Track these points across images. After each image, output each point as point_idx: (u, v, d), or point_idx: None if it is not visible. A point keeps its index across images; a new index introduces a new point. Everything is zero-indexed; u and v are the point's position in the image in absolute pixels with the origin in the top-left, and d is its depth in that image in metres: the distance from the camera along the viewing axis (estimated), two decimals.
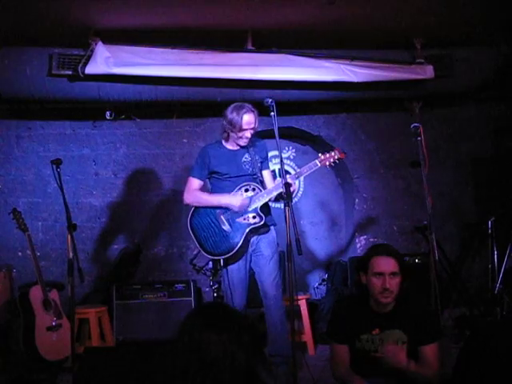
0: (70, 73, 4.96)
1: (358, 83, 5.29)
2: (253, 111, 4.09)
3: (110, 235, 5.85)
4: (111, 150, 5.89)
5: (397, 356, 2.75)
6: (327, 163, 4.19)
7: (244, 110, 4.06)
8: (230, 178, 4.18)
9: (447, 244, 5.78)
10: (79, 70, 4.90)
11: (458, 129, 6.21)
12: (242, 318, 1.79)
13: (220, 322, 1.72)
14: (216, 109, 5.77)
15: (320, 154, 4.23)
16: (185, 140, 5.98)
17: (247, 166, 4.20)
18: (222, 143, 4.27)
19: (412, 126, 4.44)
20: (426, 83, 5.51)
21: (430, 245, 4.39)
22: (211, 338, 1.66)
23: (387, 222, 6.14)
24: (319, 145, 6.22)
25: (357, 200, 6.18)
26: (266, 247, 4.19)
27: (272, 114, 3.86)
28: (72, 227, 3.89)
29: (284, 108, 5.27)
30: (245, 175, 4.19)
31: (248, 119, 4.06)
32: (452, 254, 5.75)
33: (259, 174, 4.21)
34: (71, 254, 3.81)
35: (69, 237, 3.86)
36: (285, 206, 3.76)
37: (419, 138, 4.38)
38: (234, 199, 4.09)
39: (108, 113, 5.64)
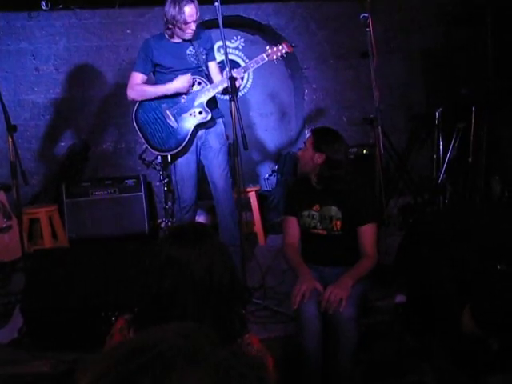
0: None
1: None
2: (193, 1, 3.92)
3: (55, 132, 5.68)
4: (51, 43, 5.57)
5: (339, 295, 2.76)
6: (274, 57, 4.08)
7: (184, 3, 3.88)
8: (175, 71, 4.06)
9: (395, 134, 5.85)
10: None
11: (409, 19, 6.08)
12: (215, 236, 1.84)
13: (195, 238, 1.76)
14: None
15: (267, 48, 4.12)
16: (129, 31, 5.70)
17: (192, 59, 4.08)
18: (165, 36, 4.12)
19: (361, 16, 4.33)
20: None
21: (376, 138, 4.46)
22: (189, 250, 1.72)
23: (337, 113, 6.14)
24: (268, 34, 6.05)
25: (306, 91, 6.12)
26: (214, 140, 4.18)
27: (216, 4, 3.71)
28: (12, 129, 3.74)
29: None
30: (190, 68, 4.07)
31: (190, 11, 3.89)
32: (400, 145, 5.84)
33: (204, 67, 4.11)
34: (13, 157, 3.71)
35: (9, 139, 3.73)
36: (230, 100, 3.73)
37: (368, 29, 4.31)
38: (179, 81, 3.98)
39: (43, 2, 5.29)
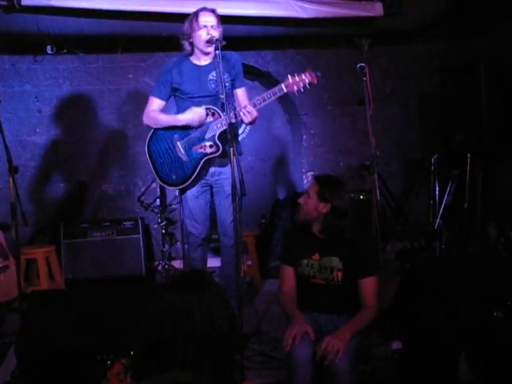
0: (4, 3, 4.67)
1: (306, 19, 5.23)
2: (212, 10, 3.83)
3: (55, 174, 5.74)
4: (54, 86, 5.68)
5: (336, 346, 2.72)
6: (295, 88, 3.70)
7: (200, 8, 3.83)
8: (193, 98, 3.88)
9: (392, 180, 5.92)
10: (15, 1, 4.62)
11: (406, 66, 6.23)
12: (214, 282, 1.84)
13: (196, 284, 1.77)
14: (162, 43, 5.66)
15: (289, 76, 3.71)
16: (130, 75, 5.82)
17: (212, 86, 3.86)
18: (187, 57, 3.95)
19: (358, 66, 4.46)
20: (375, 20, 5.49)
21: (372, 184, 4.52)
22: (190, 298, 1.71)
23: (334, 159, 6.22)
24: (267, 81, 6.17)
25: (304, 136, 6.22)
26: (228, 179, 3.84)
27: (217, 52, 3.64)
28: (13, 170, 3.76)
29: (232, 43, 5.15)
30: (209, 96, 3.86)
31: (205, 16, 3.79)
32: (396, 190, 5.89)
33: (224, 96, 3.70)
34: (13, 198, 3.73)
35: (10, 180, 3.74)
36: (229, 146, 3.55)
37: (365, 79, 4.42)
38: (191, 114, 3.82)
39: (49, 47, 5.42)
